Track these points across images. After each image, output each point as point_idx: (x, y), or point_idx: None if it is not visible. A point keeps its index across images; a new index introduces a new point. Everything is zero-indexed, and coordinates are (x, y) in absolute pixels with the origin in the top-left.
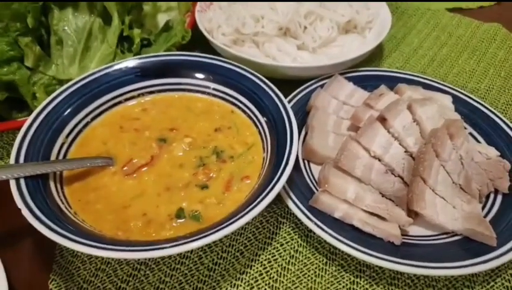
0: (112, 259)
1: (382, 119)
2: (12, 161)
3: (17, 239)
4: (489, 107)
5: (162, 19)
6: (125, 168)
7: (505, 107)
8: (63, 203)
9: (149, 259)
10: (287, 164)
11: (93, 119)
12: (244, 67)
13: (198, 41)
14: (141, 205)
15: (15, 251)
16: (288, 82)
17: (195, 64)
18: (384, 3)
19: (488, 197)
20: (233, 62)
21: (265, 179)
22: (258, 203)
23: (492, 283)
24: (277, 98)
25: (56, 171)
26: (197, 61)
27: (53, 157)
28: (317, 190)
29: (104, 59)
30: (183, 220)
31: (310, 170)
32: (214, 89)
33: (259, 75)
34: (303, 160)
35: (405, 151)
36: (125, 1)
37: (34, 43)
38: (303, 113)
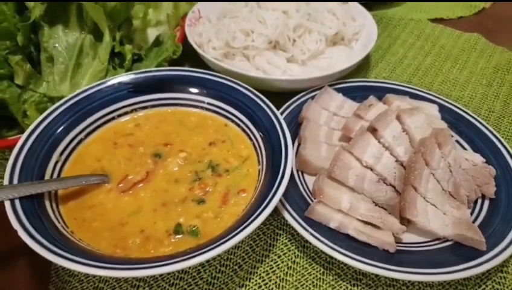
0: (110, 277)
1: (373, 130)
2: (6, 181)
3: (12, 259)
4: (474, 115)
5: (151, 33)
6: (120, 185)
7: (488, 114)
8: (59, 222)
9: (148, 276)
10: (282, 177)
11: (86, 136)
12: (238, 81)
13: (188, 55)
14: (138, 222)
15: (10, 271)
16: (278, 94)
17: (188, 79)
18: (369, 15)
19: (475, 202)
20: (226, 76)
21: (262, 192)
22: (255, 218)
23: (483, 286)
24: (271, 112)
25: (51, 190)
26: (190, 76)
27: (47, 176)
28: (311, 200)
29: (96, 75)
30: (181, 235)
31: (304, 181)
32: (207, 103)
33: (252, 89)
34: (297, 171)
35: (396, 161)
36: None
37: (25, 61)
38: (295, 124)
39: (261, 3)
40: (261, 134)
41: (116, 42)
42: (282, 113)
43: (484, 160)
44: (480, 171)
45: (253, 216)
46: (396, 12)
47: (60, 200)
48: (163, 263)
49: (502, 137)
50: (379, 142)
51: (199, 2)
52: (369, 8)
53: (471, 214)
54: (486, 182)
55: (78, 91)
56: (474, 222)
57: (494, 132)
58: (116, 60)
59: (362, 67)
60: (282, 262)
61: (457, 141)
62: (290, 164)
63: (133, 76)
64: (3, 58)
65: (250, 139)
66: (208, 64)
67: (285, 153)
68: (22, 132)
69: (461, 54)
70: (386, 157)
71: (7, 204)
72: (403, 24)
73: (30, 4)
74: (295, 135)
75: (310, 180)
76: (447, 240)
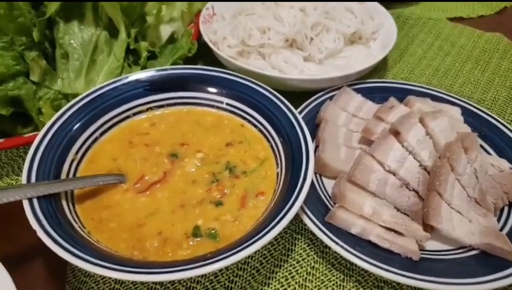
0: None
1: (395, 133)
2: (24, 180)
3: (29, 260)
4: (498, 118)
5: (164, 30)
6: (137, 185)
7: None
8: (76, 222)
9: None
10: (304, 181)
11: (101, 134)
12: (255, 81)
13: (202, 52)
14: (156, 223)
15: (27, 272)
16: (295, 94)
17: (205, 78)
18: (388, 14)
19: (502, 210)
20: (243, 76)
21: (282, 196)
22: (276, 223)
23: None
24: (290, 113)
25: (68, 190)
26: (207, 74)
27: (63, 174)
28: (330, 204)
29: (111, 73)
30: (199, 238)
31: (323, 184)
32: (224, 103)
33: (270, 89)
34: (315, 174)
35: (419, 165)
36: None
37: (41, 57)
38: (313, 125)
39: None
40: (279, 136)
41: (131, 39)
42: (299, 114)
43: (511, 166)
44: (508, 177)
45: (274, 221)
46: (413, 11)
47: (76, 200)
48: (182, 267)
49: None
50: (402, 145)
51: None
52: (386, 6)
53: (498, 222)
54: None
55: (93, 89)
56: (501, 230)
57: None
58: (131, 57)
59: (380, 67)
60: (301, 267)
61: (481, 146)
62: (311, 168)
63: (149, 74)
64: (19, 54)
65: (268, 140)
66: (223, 63)
67: (306, 157)
68: (37, 128)
69: (482, 54)
70: (410, 161)
71: (25, 203)
72: (421, 23)
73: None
74: (313, 136)
75: (327, 183)
76: (473, 249)
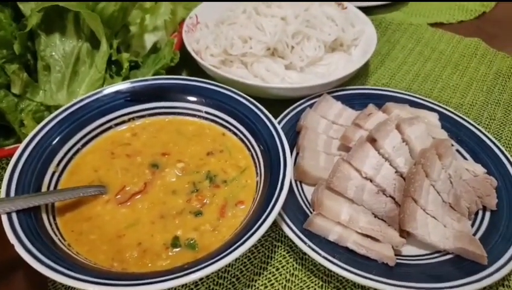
0: None
1: (372, 140)
2: (3, 194)
3: (10, 272)
4: (474, 124)
5: (148, 39)
6: (118, 196)
7: (488, 122)
8: (56, 235)
9: None
10: (281, 190)
11: (83, 145)
12: (235, 90)
13: (185, 61)
14: (136, 234)
15: (7, 284)
16: (277, 101)
17: (186, 88)
18: (369, 21)
19: (476, 214)
20: (224, 85)
21: (260, 205)
22: (254, 232)
23: None
24: (269, 122)
25: (48, 203)
26: (188, 84)
27: (44, 187)
28: (310, 211)
29: (93, 84)
30: (178, 249)
31: (302, 191)
32: (205, 112)
33: (250, 98)
34: (295, 181)
35: (395, 172)
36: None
37: (21, 70)
38: (293, 133)
39: (259, 9)
40: (259, 144)
41: (114, 50)
42: (280, 122)
43: (485, 170)
44: (482, 182)
45: (251, 231)
46: (395, 16)
47: (57, 212)
48: (161, 278)
49: (503, 146)
50: (379, 153)
51: (196, 8)
52: (368, 11)
53: (472, 226)
54: (487, 193)
55: (74, 101)
56: (475, 234)
57: (495, 141)
58: (114, 68)
59: (361, 73)
60: (281, 275)
61: (457, 150)
62: (288, 177)
63: (130, 85)
64: (0, 67)
65: (248, 149)
66: (206, 72)
67: (283, 165)
68: (19, 140)
69: (461, 59)
70: (386, 168)
71: (4, 218)
72: (403, 29)
73: (27, 12)
74: (293, 143)
75: (308, 190)
76: (448, 253)
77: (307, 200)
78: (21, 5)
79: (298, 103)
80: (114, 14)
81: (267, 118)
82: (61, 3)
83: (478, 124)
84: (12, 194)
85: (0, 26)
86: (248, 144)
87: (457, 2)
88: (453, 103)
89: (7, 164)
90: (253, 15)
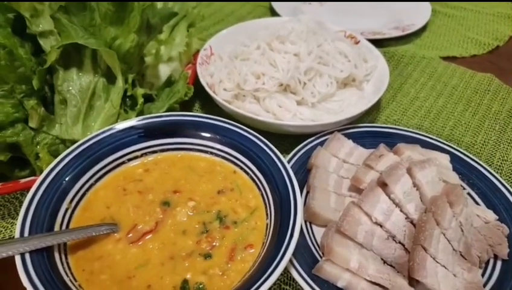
0: None
1: (383, 185)
2: (17, 234)
3: None
4: (486, 166)
5: (163, 69)
6: (129, 235)
7: (501, 163)
8: (67, 275)
9: None
10: (291, 237)
11: (96, 181)
12: (248, 129)
13: (199, 93)
14: (145, 276)
15: None
16: (288, 136)
17: (199, 125)
18: (381, 56)
19: (487, 262)
20: (236, 124)
21: (270, 252)
22: (263, 282)
23: None
24: (281, 164)
25: (61, 242)
26: (201, 122)
27: (57, 224)
28: (319, 254)
29: (108, 119)
30: None
31: (312, 232)
32: (217, 149)
33: (262, 138)
34: (305, 221)
35: (406, 218)
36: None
37: (39, 105)
38: (304, 170)
39: (273, 45)
40: (269, 184)
41: (129, 85)
42: (290, 160)
43: (497, 217)
44: (493, 230)
45: (260, 280)
46: (408, 49)
47: (68, 250)
48: None
49: None
50: (389, 198)
51: (210, 39)
52: (381, 44)
53: (483, 275)
54: (499, 242)
55: (89, 136)
56: (486, 283)
57: (507, 185)
58: (128, 102)
59: (373, 108)
60: None
61: (469, 194)
62: (299, 224)
63: (144, 121)
64: (19, 101)
65: (259, 188)
66: (219, 106)
67: (294, 211)
68: (34, 172)
69: (474, 96)
70: (396, 214)
71: (18, 259)
72: (415, 62)
73: (47, 48)
74: (304, 182)
75: (317, 230)
76: None
77: (316, 242)
78: (41, 41)
79: (309, 140)
80: (130, 50)
81: (277, 158)
82: (80, 41)
83: (490, 165)
84: (26, 233)
85: (20, 63)
86: (258, 182)
87: (470, 35)
88: (465, 142)
89: (22, 194)
90: (266, 51)
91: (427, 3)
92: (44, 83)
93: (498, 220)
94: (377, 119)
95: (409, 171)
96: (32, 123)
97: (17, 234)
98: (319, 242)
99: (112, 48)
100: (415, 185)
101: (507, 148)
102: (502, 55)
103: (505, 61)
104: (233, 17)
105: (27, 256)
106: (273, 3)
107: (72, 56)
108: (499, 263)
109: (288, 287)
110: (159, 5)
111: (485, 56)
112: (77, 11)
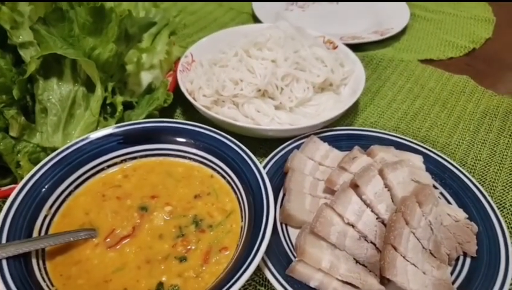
0: None
1: (355, 186)
2: None
3: None
4: (458, 167)
5: (145, 76)
6: (107, 240)
7: (474, 162)
8: (44, 281)
9: None
10: (262, 239)
11: (76, 188)
12: (225, 134)
13: (180, 99)
14: (122, 279)
15: None
16: (266, 140)
17: (178, 131)
18: (358, 60)
19: (457, 260)
20: (214, 129)
21: (243, 252)
22: (235, 282)
23: None
24: (256, 169)
25: (39, 248)
26: (179, 128)
27: (36, 230)
28: (293, 255)
29: (87, 127)
30: None
31: (287, 233)
32: (195, 154)
33: (239, 143)
34: (281, 223)
35: (377, 218)
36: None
37: (19, 114)
38: (281, 174)
39: (250, 52)
40: (244, 188)
41: (108, 93)
42: (267, 163)
43: (467, 216)
44: (462, 228)
45: (232, 280)
46: (386, 52)
47: (46, 256)
48: None
49: (487, 188)
50: (361, 198)
51: (191, 47)
52: (360, 48)
53: (452, 272)
54: (467, 240)
55: (68, 144)
56: (455, 281)
57: (478, 185)
58: (108, 109)
59: (350, 111)
60: None
61: (441, 193)
62: (271, 225)
63: (123, 128)
64: None
65: (235, 192)
66: (199, 112)
67: (266, 213)
68: (15, 180)
69: (450, 97)
70: (367, 214)
71: None
72: (393, 65)
73: (27, 58)
74: (280, 185)
75: (293, 232)
76: None
77: (292, 243)
78: (21, 52)
79: (286, 144)
80: (109, 60)
81: (251, 161)
82: (59, 52)
83: (463, 165)
84: (4, 240)
85: (0, 73)
86: (234, 186)
87: (448, 38)
88: (439, 142)
89: (3, 202)
90: (244, 58)
91: (407, 8)
92: (26, 92)
93: (468, 218)
94: (354, 122)
95: (381, 173)
96: (13, 132)
97: None
98: (294, 244)
99: (91, 58)
100: (386, 186)
101: (480, 148)
102: (477, 58)
103: (481, 63)
104: (216, 24)
105: (4, 262)
106: (256, 10)
107: (52, 66)
108: (468, 261)
109: (263, 288)
110: (141, 13)
111: (461, 58)
112: (56, 22)
